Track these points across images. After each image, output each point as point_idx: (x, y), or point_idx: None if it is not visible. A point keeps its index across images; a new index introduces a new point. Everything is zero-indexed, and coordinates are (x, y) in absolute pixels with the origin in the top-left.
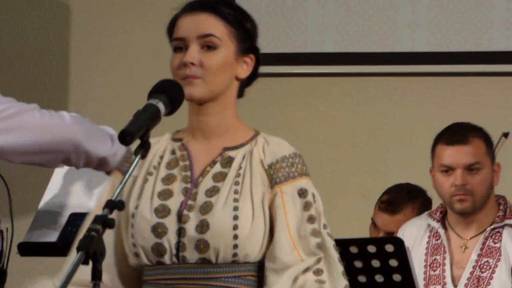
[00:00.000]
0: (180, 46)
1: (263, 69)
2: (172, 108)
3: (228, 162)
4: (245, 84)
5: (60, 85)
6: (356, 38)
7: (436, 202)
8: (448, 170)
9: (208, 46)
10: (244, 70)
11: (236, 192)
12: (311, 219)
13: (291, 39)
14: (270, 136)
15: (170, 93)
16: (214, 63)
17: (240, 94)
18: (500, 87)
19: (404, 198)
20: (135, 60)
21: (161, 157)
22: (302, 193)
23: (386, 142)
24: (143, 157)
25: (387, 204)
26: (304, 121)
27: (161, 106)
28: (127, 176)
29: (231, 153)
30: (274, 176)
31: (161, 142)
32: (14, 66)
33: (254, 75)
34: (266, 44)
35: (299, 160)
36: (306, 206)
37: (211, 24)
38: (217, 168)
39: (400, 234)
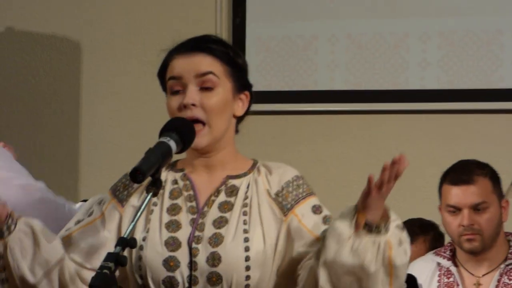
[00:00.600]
0: (176, 88)
1: (274, 107)
2: (184, 145)
3: (232, 191)
4: (239, 120)
5: (71, 123)
6: (366, 76)
7: (448, 237)
8: (455, 210)
9: (206, 87)
10: (240, 108)
11: (245, 222)
12: None
13: (302, 77)
14: (268, 162)
15: (181, 131)
16: (214, 104)
17: (236, 130)
18: (510, 125)
19: (416, 231)
20: (147, 99)
21: (163, 187)
22: (316, 209)
23: (397, 181)
24: (155, 195)
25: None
26: (314, 159)
27: (172, 144)
28: (138, 214)
29: (234, 182)
30: (284, 202)
31: (163, 172)
32: (27, 105)
33: (246, 112)
34: (276, 82)
35: (303, 181)
36: (326, 221)
37: (208, 63)
38: (222, 197)
39: (410, 271)
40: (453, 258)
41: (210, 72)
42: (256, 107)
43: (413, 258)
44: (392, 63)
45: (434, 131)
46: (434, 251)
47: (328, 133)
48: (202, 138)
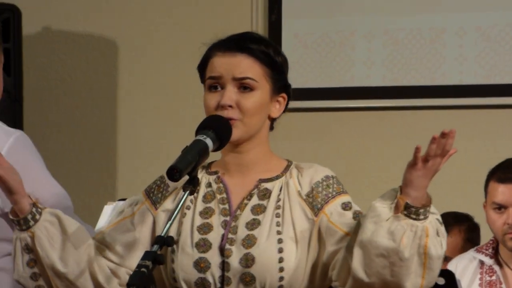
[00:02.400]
0: (215, 84)
1: (310, 103)
2: (221, 143)
3: (265, 194)
4: (274, 119)
5: (109, 123)
6: (403, 71)
7: (484, 229)
8: (501, 208)
9: (244, 87)
10: (277, 110)
11: (278, 224)
12: None
13: (338, 73)
14: (301, 163)
15: (217, 129)
16: (251, 105)
17: (271, 128)
18: None
19: (450, 222)
20: (184, 97)
21: (197, 191)
22: (346, 205)
23: (436, 176)
24: (192, 193)
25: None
26: (351, 156)
27: (209, 142)
28: (176, 212)
29: (267, 185)
30: (314, 203)
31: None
32: (64, 104)
33: (284, 110)
34: (313, 78)
35: (333, 180)
36: (356, 216)
37: (248, 66)
38: (255, 200)
39: (452, 268)
40: (495, 255)
41: (248, 78)
42: (292, 104)
43: (449, 249)
44: (429, 58)
45: (474, 126)
46: (475, 248)
47: (366, 129)
48: (235, 130)
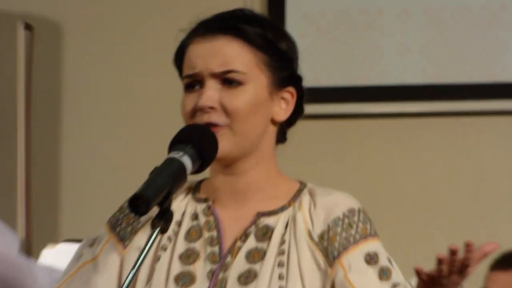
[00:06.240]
0: (192, 82)
1: (324, 108)
2: (203, 163)
3: (265, 233)
4: (287, 124)
5: (49, 134)
6: (450, 65)
7: None
8: None
9: (230, 82)
10: (282, 110)
11: (280, 277)
12: None
13: (362, 67)
14: (317, 188)
15: (198, 142)
16: (241, 105)
17: (282, 138)
18: None
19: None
20: (151, 101)
21: (179, 224)
22: (371, 258)
23: (492, 191)
24: (163, 231)
25: (502, 260)
26: (379, 174)
27: (186, 161)
28: (141, 259)
29: (268, 221)
30: (330, 248)
31: (178, 200)
32: None
33: (298, 112)
34: (327, 75)
35: (360, 216)
36: (383, 274)
37: (232, 53)
38: (251, 242)
39: None
40: None
41: (232, 71)
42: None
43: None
44: (484, 45)
45: None
46: None
47: (399, 141)
48: (221, 141)
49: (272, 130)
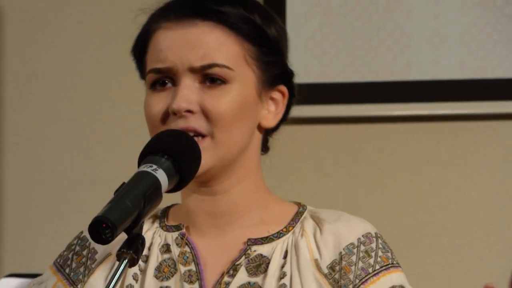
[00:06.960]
0: (162, 79)
1: (331, 110)
2: (182, 178)
3: (259, 265)
4: (271, 130)
5: None
6: (493, 55)
7: None
8: None
9: (212, 78)
10: (272, 114)
11: None
12: None
13: (381, 59)
14: (320, 211)
15: (177, 154)
16: (226, 109)
17: (263, 147)
18: None
19: None
20: (115, 99)
21: (146, 259)
22: None
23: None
24: (133, 264)
25: None
26: (397, 190)
27: (161, 176)
28: None
29: (262, 250)
30: (343, 281)
31: (144, 230)
32: None
33: (285, 116)
34: (337, 68)
35: (378, 243)
36: None
37: (215, 43)
38: (242, 277)
39: None
40: None
41: (215, 65)
42: (303, 111)
43: None
44: None
45: None
46: None
47: (429, 150)
48: (203, 155)
49: (258, 138)
